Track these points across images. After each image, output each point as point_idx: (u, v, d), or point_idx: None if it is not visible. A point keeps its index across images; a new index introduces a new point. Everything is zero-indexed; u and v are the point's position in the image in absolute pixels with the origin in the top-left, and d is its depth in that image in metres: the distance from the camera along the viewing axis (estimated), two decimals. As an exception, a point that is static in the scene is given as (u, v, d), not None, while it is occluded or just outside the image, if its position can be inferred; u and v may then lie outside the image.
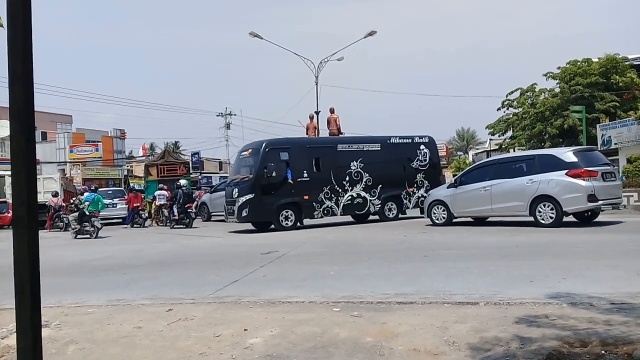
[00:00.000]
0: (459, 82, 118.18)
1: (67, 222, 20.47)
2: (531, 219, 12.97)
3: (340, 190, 17.01)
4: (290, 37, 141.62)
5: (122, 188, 31.99)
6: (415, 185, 18.30)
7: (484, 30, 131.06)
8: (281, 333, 4.54)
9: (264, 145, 16.62)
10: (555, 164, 12.78)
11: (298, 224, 16.55)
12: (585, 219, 13.36)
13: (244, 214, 16.09)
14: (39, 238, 1.96)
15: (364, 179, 17.39)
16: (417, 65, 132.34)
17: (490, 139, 45.99)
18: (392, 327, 4.55)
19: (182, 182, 22.20)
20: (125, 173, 41.53)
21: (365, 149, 17.79)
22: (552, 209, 12.56)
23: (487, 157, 36.46)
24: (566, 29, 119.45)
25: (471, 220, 15.08)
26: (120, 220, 25.20)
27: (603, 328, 4.19)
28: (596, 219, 13.46)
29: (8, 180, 26.41)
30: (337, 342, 4.23)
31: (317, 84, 29.65)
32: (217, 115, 50.11)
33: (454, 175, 28.91)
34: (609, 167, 13.28)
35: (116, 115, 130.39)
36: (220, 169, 53.22)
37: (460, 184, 14.67)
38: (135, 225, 22.73)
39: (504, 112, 33.78)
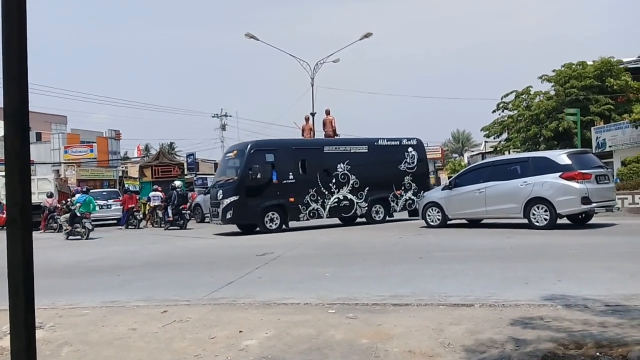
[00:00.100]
0: (455, 84, 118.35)
1: (60, 223, 20.47)
2: (525, 221, 13.02)
3: (326, 193, 16.89)
4: (287, 39, 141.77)
5: (116, 189, 31.89)
6: (403, 188, 18.20)
7: (480, 32, 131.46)
8: (276, 335, 4.54)
9: (249, 146, 16.52)
10: (549, 167, 12.84)
11: (283, 226, 16.43)
12: (579, 221, 13.41)
13: (228, 215, 15.97)
14: (33, 239, 1.95)
15: (351, 181, 17.26)
16: (413, 67, 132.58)
17: (486, 141, 46.05)
18: (387, 329, 4.55)
19: (177, 183, 22.20)
20: (120, 174, 41.41)
21: (352, 151, 17.65)
22: (546, 211, 12.61)
23: (483, 159, 36.58)
24: (562, 32, 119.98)
25: (466, 222, 15.12)
26: (115, 221, 25.11)
27: (598, 330, 4.20)
28: (590, 222, 13.51)
29: (2, 180, 26.29)
30: (333, 344, 4.23)
31: (312, 86, 29.68)
32: (213, 117, 50.06)
33: (449, 178, 28.97)
34: (602, 170, 13.35)
35: (111, 116, 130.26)
36: (216, 170, 53.07)
37: (454, 186, 14.73)
38: (130, 227, 22.69)
39: (499, 114, 33.86)
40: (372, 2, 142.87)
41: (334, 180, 17.03)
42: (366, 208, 17.52)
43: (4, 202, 20.90)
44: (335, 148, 17.57)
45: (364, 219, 17.79)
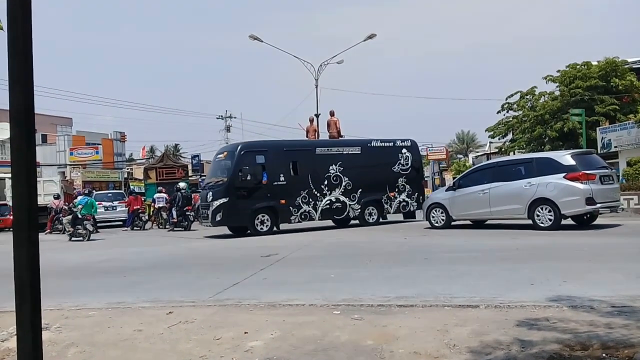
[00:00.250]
0: (459, 85, 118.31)
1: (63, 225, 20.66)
2: (529, 222, 12.98)
3: (318, 195, 16.69)
4: (291, 40, 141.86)
5: (122, 191, 32.00)
6: (396, 190, 17.97)
7: (484, 32, 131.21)
8: (282, 336, 4.54)
9: (239, 147, 16.39)
10: (553, 167, 12.81)
11: (274, 228, 16.25)
12: (584, 222, 13.37)
13: (218, 218, 15.81)
14: (39, 241, 1.96)
15: (344, 183, 17.05)
16: (417, 68, 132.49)
17: (490, 142, 45.94)
18: (392, 330, 4.54)
19: (181, 185, 22.28)
20: (126, 176, 41.55)
21: (344, 152, 17.44)
22: (550, 212, 12.58)
23: (487, 160, 36.47)
24: (566, 32, 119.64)
25: (470, 223, 15.09)
26: (121, 222, 25.19)
27: (604, 331, 4.18)
28: (595, 222, 13.47)
29: (8, 182, 26.41)
30: (338, 345, 4.23)
31: (317, 87, 29.70)
32: (217, 118, 49.98)
33: (453, 178, 28.89)
34: (607, 170, 13.31)
35: (116, 117, 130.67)
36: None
37: (458, 187, 14.71)
38: (135, 228, 22.75)
39: (504, 115, 33.77)
40: (376, 5, 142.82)
41: (326, 182, 16.82)
42: (359, 210, 17.28)
43: (10, 203, 21.07)
44: (328, 149, 17.38)
45: (357, 221, 17.59)
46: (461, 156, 67.38)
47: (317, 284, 7.19)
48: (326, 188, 16.84)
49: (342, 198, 17.04)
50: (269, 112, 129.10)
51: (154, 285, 7.89)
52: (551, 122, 29.37)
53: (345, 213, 17.19)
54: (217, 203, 15.79)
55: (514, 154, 30.63)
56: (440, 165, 56.93)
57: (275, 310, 5.61)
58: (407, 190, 18.12)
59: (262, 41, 28.55)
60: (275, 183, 16.19)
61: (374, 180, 17.48)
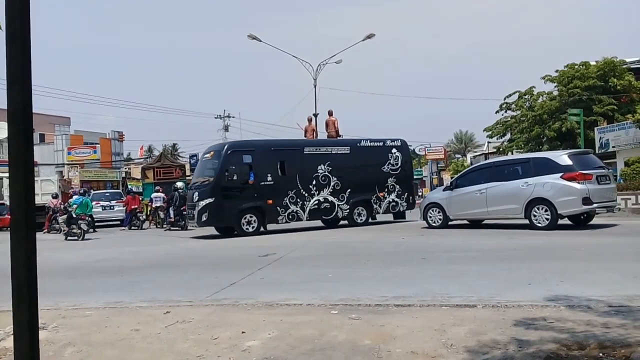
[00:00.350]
0: (458, 85, 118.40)
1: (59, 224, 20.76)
2: (526, 221, 13.01)
3: (306, 195, 16.55)
4: (289, 40, 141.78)
5: (119, 190, 31.96)
6: (386, 190, 17.85)
7: (483, 33, 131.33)
8: (279, 335, 4.54)
9: (225, 147, 16.26)
10: (550, 167, 12.84)
11: (261, 229, 16.09)
12: (581, 221, 13.40)
13: (204, 218, 15.63)
14: (36, 240, 1.96)
15: (332, 183, 16.91)
16: (416, 68, 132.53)
17: (488, 142, 46.01)
18: (390, 330, 4.55)
19: (179, 184, 22.25)
20: (124, 175, 41.47)
21: (333, 152, 17.32)
22: (547, 212, 12.62)
23: (485, 160, 36.51)
24: (565, 32, 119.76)
25: (467, 222, 15.10)
26: (119, 222, 25.15)
27: (601, 331, 4.19)
28: (591, 222, 13.50)
29: (6, 182, 26.35)
30: (335, 345, 4.23)
31: (315, 87, 29.70)
32: (216, 118, 49.94)
33: (451, 178, 28.92)
34: (603, 170, 13.36)
35: (114, 117, 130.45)
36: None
37: (455, 187, 14.74)
38: (133, 228, 22.72)
39: (502, 115, 33.82)
40: (375, 5, 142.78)
41: (314, 182, 16.69)
42: (348, 210, 17.15)
43: (8, 203, 21.11)
44: (316, 149, 17.24)
45: (346, 222, 17.46)
46: (459, 156, 67.44)
47: (315, 284, 7.19)
48: (314, 188, 16.70)
49: (330, 198, 16.91)
50: (267, 111, 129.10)
51: (151, 285, 7.88)
52: (549, 122, 29.41)
53: (334, 213, 17.05)
54: (203, 203, 15.63)
55: (512, 153, 30.67)
56: (439, 165, 57.04)
57: (272, 309, 5.61)
58: (396, 190, 17.98)
59: (260, 41, 28.57)
60: (263, 183, 16.05)
61: (363, 180, 17.37)
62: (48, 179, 28.99)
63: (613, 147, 25.96)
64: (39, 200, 22.35)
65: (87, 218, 18.35)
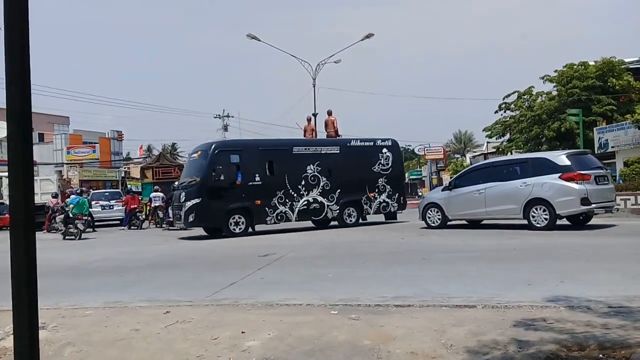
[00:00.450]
0: (457, 85, 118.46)
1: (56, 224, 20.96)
2: (525, 222, 13.02)
3: (295, 195, 16.37)
4: (288, 40, 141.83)
5: (119, 190, 31.95)
6: (376, 190, 17.66)
7: (482, 33, 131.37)
8: (279, 336, 4.53)
9: (213, 147, 16.02)
10: (548, 167, 12.87)
11: (250, 229, 15.95)
12: (579, 222, 13.42)
13: (191, 219, 15.44)
14: (36, 240, 1.95)
15: (322, 183, 16.74)
16: (415, 68, 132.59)
17: (488, 142, 46.04)
18: (389, 330, 4.54)
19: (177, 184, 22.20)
20: (123, 175, 41.46)
21: (323, 152, 17.13)
22: (545, 212, 12.64)
23: (485, 160, 36.53)
24: (564, 33, 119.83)
25: (465, 223, 15.11)
26: (118, 221, 25.14)
27: (601, 332, 4.19)
28: (590, 222, 13.51)
29: (6, 181, 26.35)
30: (335, 345, 4.22)
31: (314, 86, 29.71)
32: (215, 117, 49.93)
33: (450, 178, 28.91)
34: (602, 171, 13.39)
35: (114, 116, 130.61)
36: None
37: (454, 187, 14.75)
38: (132, 227, 22.71)
39: (502, 115, 33.85)
40: (374, 5, 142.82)
41: (303, 182, 16.51)
42: (337, 211, 16.97)
43: (7, 202, 21.15)
44: (305, 149, 17.06)
45: (336, 222, 17.28)
46: (459, 156, 67.48)
47: (315, 284, 7.19)
48: (303, 188, 16.53)
49: (320, 199, 16.74)
50: (266, 111, 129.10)
51: (151, 285, 7.88)
52: (548, 122, 29.43)
53: (323, 214, 16.88)
54: (189, 204, 15.45)
55: (512, 153, 30.69)
56: (438, 165, 57.09)
57: (272, 310, 5.60)
58: (387, 190, 17.81)
59: (259, 40, 28.56)
60: (251, 183, 15.87)
61: (353, 180, 17.18)
62: (47, 178, 28.96)
63: (612, 147, 25.97)
64: (38, 199, 22.34)
65: (83, 218, 18.46)
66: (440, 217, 14.85)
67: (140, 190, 29.37)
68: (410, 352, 3.97)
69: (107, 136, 44.14)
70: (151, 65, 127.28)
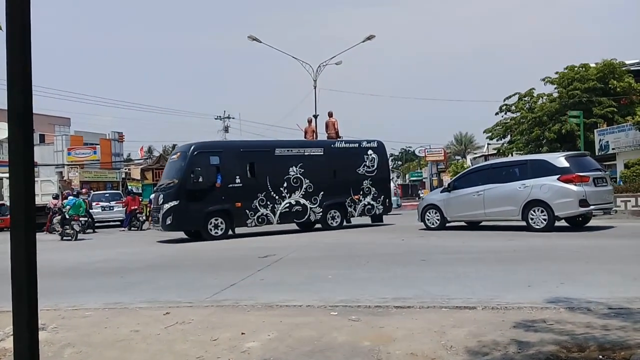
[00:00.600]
0: (458, 87, 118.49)
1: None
2: (523, 223, 13.03)
3: (277, 197, 16.12)
4: (290, 41, 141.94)
5: (119, 191, 31.96)
6: (361, 193, 17.41)
7: (482, 35, 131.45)
8: (279, 337, 4.54)
9: (192, 148, 15.72)
10: (547, 169, 12.89)
11: (230, 232, 15.68)
12: (577, 223, 13.43)
13: (168, 221, 15.11)
14: (36, 241, 1.95)
15: (304, 186, 16.50)
16: (416, 69, 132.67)
17: (488, 144, 46.04)
18: (389, 332, 4.54)
19: None
20: (123, 176, 41.48)
21: (306, 153, 16.88)
22: (544, 214, 12.66)
23: (485, 161, 36.53)
24: (565, 34, 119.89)
25: (464, 224, 15.11)
26: (119, 222, 25.14)
27: (601, 333, 4.19)
28: (590, 224, 13.52)
29: (7, 182, 26.34)
30: (335, 346, 4.23)
31: (315, 88, 29.72)
32: (216, 119, 50.01)
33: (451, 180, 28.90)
34: (600, 173, 13.43)
35: (114, 118, 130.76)
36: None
37: (453, 189, 14.76)
38: (132, 228, 22.72)
39: (502, 116, 33.85)
40: (374, 5, 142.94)
41: (285, 184, 16.27)
42: (321, 213, 16.74)
43: (8, 203, 21.18)
44: (288, 150, 16.74)
45: (319, 225, 17.06)
46: (459, 158, 67.39)
47: (315, 285, 7.19)
48: (285, 190, 16.28)
49: (302, 201, 16.51)
50: (267, 112, 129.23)
51: (151, 286, 7.88)
52: (549, 124, 29.42)
53: (306, 216, 16.69)
54: (167, 206, 15.15)
55: (512, 155, 30.68)
56: (438, 167, 57.06)
57: (272, 311, 5.61)
58: (372, 193, 17.59)
59: (260, 42, 28.57)
60: (231, 185, 15.62)
61: (337, 182, 16.99)
62: (48, 179, 28.96)
63: (613, 149, 25.97)
64: (39, 200, 22.34)
65: (80, 219, 18.63)
66: (439, 218, 14.86)
67: (140, 191, 29.38)
68: (410, 353, 3.97)
69: (107, 137, 44.18)
70: (152, 66, 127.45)
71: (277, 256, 10.39)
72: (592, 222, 13.69)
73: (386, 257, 10.03)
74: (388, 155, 19.27)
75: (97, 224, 23.97)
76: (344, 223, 17.37)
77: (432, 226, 14.93)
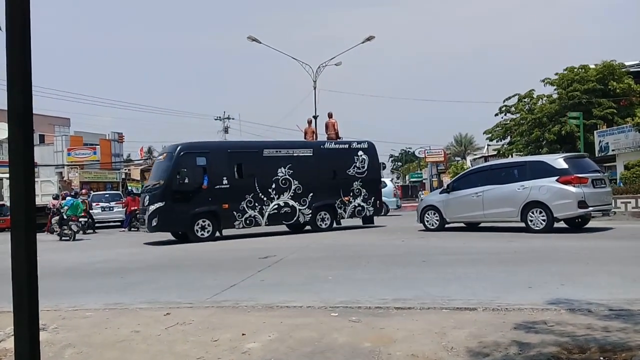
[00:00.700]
0: (458, 88, 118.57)
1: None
2: (522, 224, 13.03)
3: (265, 199, 15.90)
4: (289, 42, 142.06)
5: (119, 191, 31.96)
6: (351, 194, 17.22)
7: (482, 35, 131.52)
8: (279, 338, 4.53)
9: (178, 149, 15.50)
10: (546, 171, 12.93)
11: (217, 234, 15.50)
12: (576, 225, 13.45)
13: (154, 223, 14.95)
14: (36, 241, 1.95)
15: (293, 187, 16.29)
16: (416, 70, 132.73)
17: (488, 145, 46.06)
18: (390, 333, 4.54)
19: None
20: (123, 176, 41.48)
21: (295, 154, 16.67)
22: (543, 215, 12.68)
23: (485, 162, 36.52)
24: (565, 36, 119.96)
25: (463, 225, 15.11)
26: (119, 223, 25.13)
27: (601, 334, 4.19)
28: (589, 225, 13.53)
29: (7, 183, 26.36)
30: (335, 347, 4.22)
31: (315, 89, 29.72)
32: (216, 119, 49.98)
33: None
34: (599, 174, 13.50)
35: (114, 118, 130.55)
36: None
37: (452, 190, 14.78)
38: (132, 229, 22.71)
39: (502, 117, 33.86)
40: (375, 5, 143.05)
41: (273, 186, 16.06)
42: (310, 215, 16.57)
43: (8, 204, 21.22)
44: (276, 151, 16.53)
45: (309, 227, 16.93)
46: (459, 159, 67.42)
47: (315, 286, 7.19)
48: (274, 192, 16.08)
49: (291, 202, 16.30)
50: (267, 113, 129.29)
51: (151, 287, 7.88)
52: (549, 125, 29.43)
53: (295, 218, 16.51)
54: (153, 207, 14.99)
55: (512, 156, 30.69)
56: (438, 168, 57.08)
57: (272, 312, 5.60)
58: (363, 194, 17.38)
59: (260, 42, 28.56)
60: (218, 186, 15.41)
61: (327, 183, 16.83)
62: (48, 180, 28.99)
63: (613, 150, 25.97)
64: (39, 201, 22.35)
65: (79, 219, 18.75)
66: (438, 219, 14.87)
67: (140, 192, 29.37)
68: (410, 354, 3.97)
69: (107, 138, 44.16)
70: (152, 67, 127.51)
71: (277, 257, 10.39)
72: (592, 224, 13.70)
73: (386, 258, 10.02)
74: (379, 156, 19.07)
75: (97, 225, 23.96)
76: (334, 225, 17.17)
77: (431, 227, 14.94)
